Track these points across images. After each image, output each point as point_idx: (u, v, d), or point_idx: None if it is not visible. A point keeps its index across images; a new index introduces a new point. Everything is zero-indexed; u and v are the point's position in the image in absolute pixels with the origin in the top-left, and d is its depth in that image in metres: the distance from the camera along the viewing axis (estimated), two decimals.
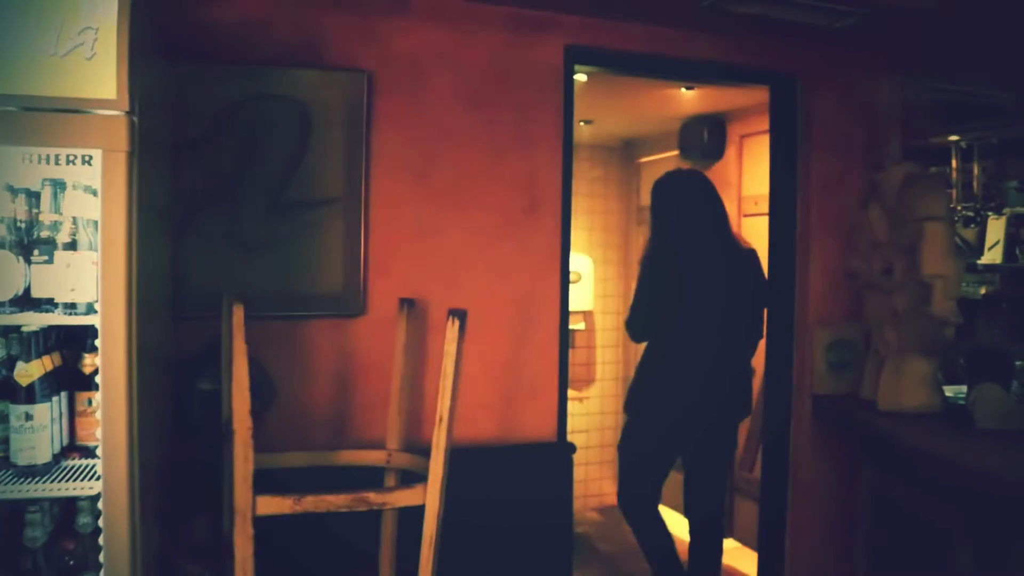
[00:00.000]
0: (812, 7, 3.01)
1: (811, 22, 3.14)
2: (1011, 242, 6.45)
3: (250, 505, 2.10)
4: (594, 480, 5.80)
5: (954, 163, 6.43)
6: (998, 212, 6.38)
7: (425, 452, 2.46)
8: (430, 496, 2.31)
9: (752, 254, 3.47)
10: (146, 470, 2.03)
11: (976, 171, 6.47)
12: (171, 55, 2.64)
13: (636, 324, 3.50)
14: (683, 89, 4.59)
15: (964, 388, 3.47)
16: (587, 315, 6.05)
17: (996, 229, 6.51)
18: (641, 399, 3.49)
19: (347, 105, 2.92)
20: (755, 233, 4.91)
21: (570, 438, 3.36)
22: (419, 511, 2.32)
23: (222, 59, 2.82)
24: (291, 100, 2.87)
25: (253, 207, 2.84)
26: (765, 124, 4.15)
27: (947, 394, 3.28)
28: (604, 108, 4.93)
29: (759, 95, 4.19)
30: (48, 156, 1.94)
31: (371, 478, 2.73)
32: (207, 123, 2.80)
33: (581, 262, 5.81)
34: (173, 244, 2.71)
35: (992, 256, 6.38)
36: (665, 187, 3.59)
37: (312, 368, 2.93)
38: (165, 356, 2.55)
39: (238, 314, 2.10)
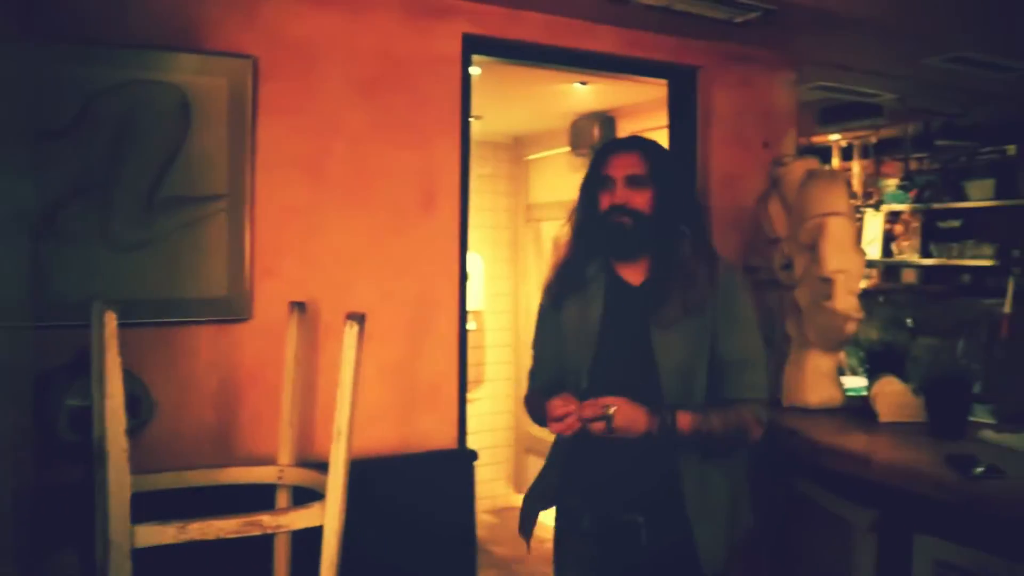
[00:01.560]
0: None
1: (713, 16, 3.11)
2: (887, 238, 6.72)
3: (128, 536, 1.88)
4: (486, 482, 5.69)
5: (835, 161, 6.66)
6: (876, 208, 6.64)
7: (321, 466, 2.28)
8: (329, 515, 2.13)
9: (728, 272, 2.25)
10: None
11: (856, 169, 6.71)
12: (28, 32, 2.37)
13: (528, 399, 2.41)
14: (576, 84, 4.53)
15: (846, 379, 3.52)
16: (477, 314, 5.93)
17: (873, 225, 6.77)
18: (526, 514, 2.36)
19: (231, 93, 2.69)
20: None
21: None
22: (316, 531, 2.14)
23: (90, 40, 2.54)
24: (168, 87, 2.62)
25: (126, 204, 2.57)
26: (657, 121, 4.12)
27: None
28: (494, 103, 4.82)
29: (651, 92, 4.17)
30: None
31: (262, 496, 2.52)
32: (73, 110, 2.51)
33: (471, 260, 5.70)
34: (33, 244, 2.43)
35: (870, 252, 6.62)
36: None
37: (194, 378, 2.69)
38: (22, 368, 2.28)
39: (111, 323, 1.88)
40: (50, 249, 2.49)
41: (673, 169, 2.32)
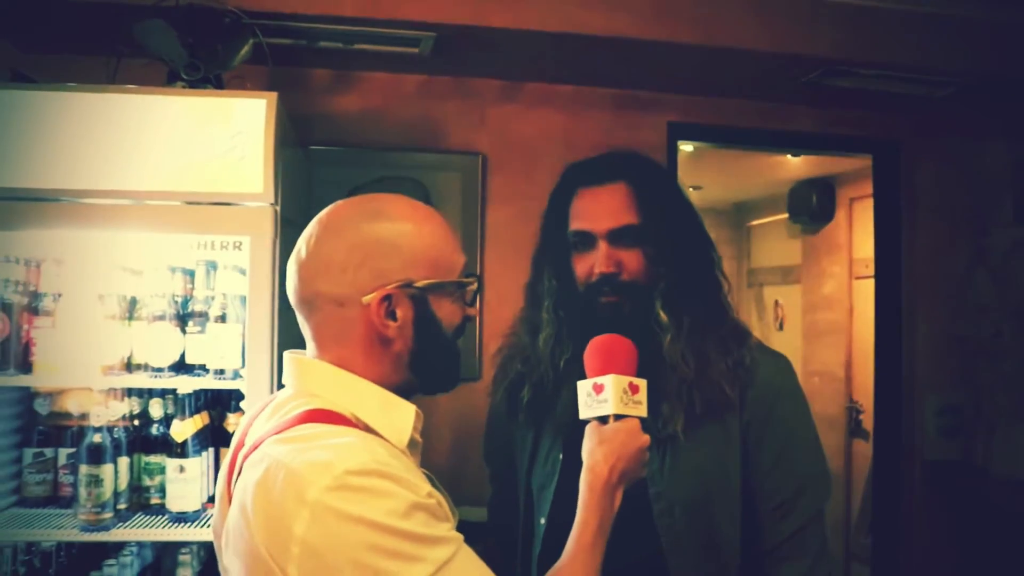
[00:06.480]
0: (910, 79, 3.07)
1: (910, 92, 3.20)
2: None
3: None
4: None
5: None
6: None
7: None
8: None
9: (767, 357, 1.53)
10: None
11: None
12: (302, 141, 2.94)
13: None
14: (789, 156, 4.68)
15: None
16: None
17: None
18: None
19: (463, 185, 3.17)
20: (867, 296, 4.88)
21: None
22: None
23: (347, 144, 3.11)
24: (411, 182, 3.13)
25: None
26: None
27: None
28: (712, 174, 5.05)
29: (866, 160, 4.24)
30: (204, 242, 2.23)
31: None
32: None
33: None
34: None
35: None
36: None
37: (435, 428, 3.05)
38: None
39: None
40: None
41: (674, 202, 1.55)
